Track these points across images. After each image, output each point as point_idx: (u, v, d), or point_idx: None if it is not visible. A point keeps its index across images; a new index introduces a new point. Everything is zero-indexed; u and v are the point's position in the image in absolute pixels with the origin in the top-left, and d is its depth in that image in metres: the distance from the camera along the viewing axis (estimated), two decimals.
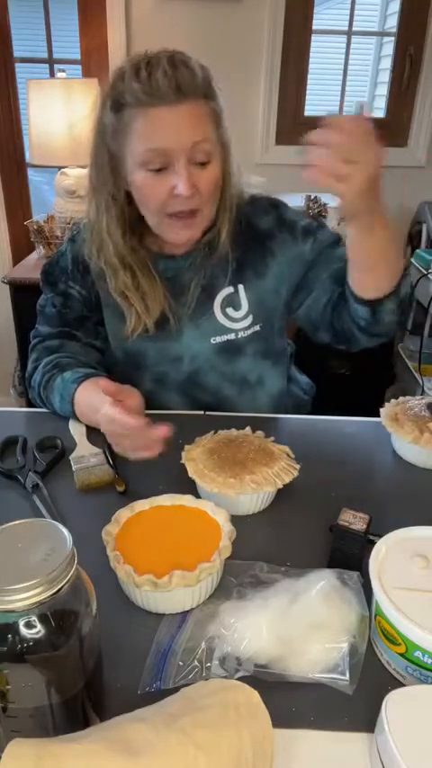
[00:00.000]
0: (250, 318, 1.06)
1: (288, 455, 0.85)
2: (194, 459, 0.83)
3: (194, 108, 0.87)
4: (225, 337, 1.06)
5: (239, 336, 1.06)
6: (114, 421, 0.81)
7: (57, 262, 1.08)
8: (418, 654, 0.55)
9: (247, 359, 1.08)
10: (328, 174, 0.72)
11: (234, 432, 0.90)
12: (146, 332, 1.03)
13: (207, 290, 1.04)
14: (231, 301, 1.05)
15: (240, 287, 1.05)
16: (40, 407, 1.07)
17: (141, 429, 0.80)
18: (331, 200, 2.05)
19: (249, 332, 1.07)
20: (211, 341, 1.06)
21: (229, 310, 1.06)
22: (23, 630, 0.43)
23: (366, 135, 0.72)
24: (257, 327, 1.07)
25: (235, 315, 1.06)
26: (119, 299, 1.01)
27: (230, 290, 1.05)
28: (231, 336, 1.06)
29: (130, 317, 1.01)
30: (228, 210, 1.00)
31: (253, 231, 1.05)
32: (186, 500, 0.74)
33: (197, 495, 0.76)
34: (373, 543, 0.65)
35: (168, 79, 0.84)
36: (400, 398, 1.00)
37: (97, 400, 0.89)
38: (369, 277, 0.92)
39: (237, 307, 1.06)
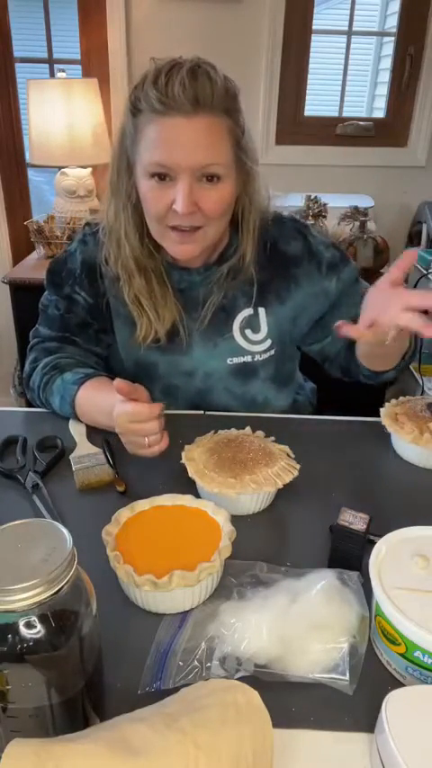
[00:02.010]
0: (269, 342, 1.05)
1: (288, 455, 0.85)
2: (194, 458, 0.83)
3: (210, 123, 0.83)
4: (242, 359, 1.05)
5: (256, 359, 1.05)
6: (132, 413, 0.81)
7: (65, 261, 1.05)
8: (418, 654, 0.55)
9: (258, 381, 1.08)
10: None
11: (234, 432, 0.90)
12: (157, 341, 1.01)
13: (227, 309, 1.03)
14: (250, 323, 1.04)
15: (261, 310, 1.04)
16: (40, 408, 1.07)
17: (155, 412, 0.81)
18: (331, 201, 2.05)
19: (266, 356, 1.06)
20: (228, 361, 1.05)
21: (248, 332, 1.04)
22: (23, 630, 0.43)
23: None
24: (273, 352, 1.06)
25: (254, 337, 1.05)
26: (132, 305, 0.99)
27: (250, 311, 1.03)
28: (248, 359, 1.05)
29: (141, 324, 0.99)
30: (251, 234, 0.97)
31: (279, 255, 1.03)
32: (186, 500, 0.74)
33: (197, 495, 0.76)
34: (373, 543, 0.65)
35: (185, 90, 0.80)
36: (400, 398, 1.00)
37: (104, 401, 0.88)
38: (380, 362, 1.01)
39: (256, 329, 1.04)
